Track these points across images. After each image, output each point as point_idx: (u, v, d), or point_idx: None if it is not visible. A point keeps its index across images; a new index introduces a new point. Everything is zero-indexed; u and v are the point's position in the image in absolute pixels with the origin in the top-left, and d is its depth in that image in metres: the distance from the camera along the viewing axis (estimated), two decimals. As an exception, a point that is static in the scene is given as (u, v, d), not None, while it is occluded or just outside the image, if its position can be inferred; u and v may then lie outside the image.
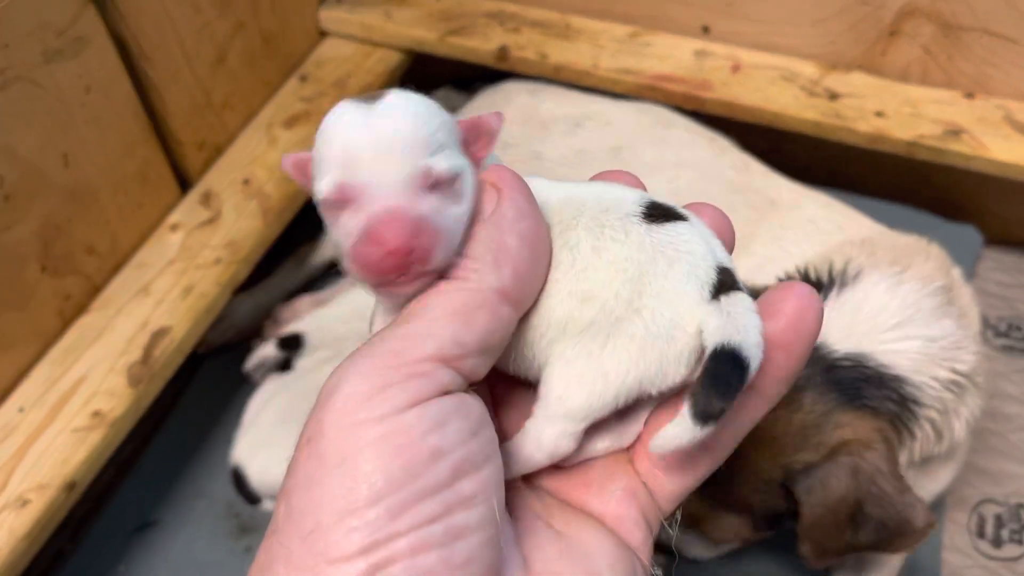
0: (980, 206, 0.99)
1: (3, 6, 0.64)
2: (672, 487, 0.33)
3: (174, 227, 0.84)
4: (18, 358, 0.73)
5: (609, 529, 0.32)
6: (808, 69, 0.92)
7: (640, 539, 0.33)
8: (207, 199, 0.86)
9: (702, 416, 0.29)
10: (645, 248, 0.31)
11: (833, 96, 0.89)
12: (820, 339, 0.56)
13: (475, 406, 0.29)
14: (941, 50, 0.87)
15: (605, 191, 0.34)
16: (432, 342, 0.28)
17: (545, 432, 0.31)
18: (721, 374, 0.29)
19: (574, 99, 0.89)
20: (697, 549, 0.67)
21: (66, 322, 0.76)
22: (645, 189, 0.35)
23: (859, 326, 0.58)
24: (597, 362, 0.30)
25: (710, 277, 0.31)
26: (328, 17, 1.02)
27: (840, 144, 0.89)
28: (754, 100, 0.89)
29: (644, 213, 0.32)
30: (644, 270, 0.31)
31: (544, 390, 0.31)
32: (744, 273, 0.75)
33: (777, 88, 0.91)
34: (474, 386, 0.30)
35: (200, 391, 0.90)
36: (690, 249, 0.31)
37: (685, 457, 0.32)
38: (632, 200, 0.33)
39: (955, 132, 0.85)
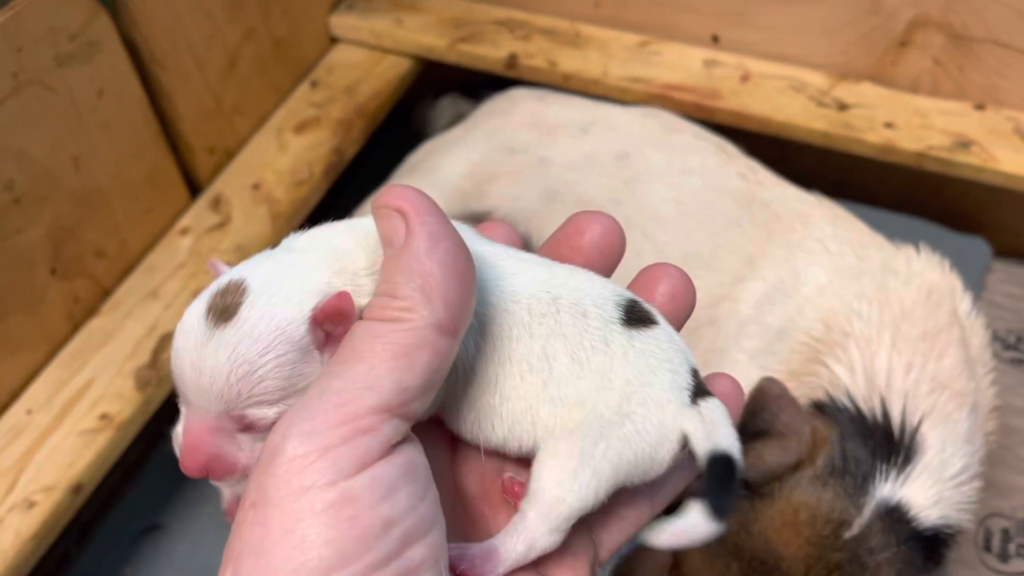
0: (989, 218, 0.99)
1: (16, 11, 0.65)
2: (618, 541, 0.34)
3: (184, 231, 0.84)
4: (27, 360, 0.73)
5: None
6: (817, 79, 0.92)
7: None
8: (217, 203, 0.86)
9: (720, 513, 0.31)
10: (628, 360, 0.32)
11: (842, 106, 0.89)
12: (912, 512, 0.60)
13: (421, 465, 0.28)
14: (951, 61, 0.87)
15: (579, 287, 0.33)
16: (374, 394, 0.27)
17: (540, 533, 0.31)
18: (725, 476, 0.32)
19: (581, 105, 0.89)
20: None
21: (75, 325, 0.76)
22: (621, 233, 0.36)
23: (943, 496, 0.61)
24: (591, 463, 0.31)
25: (688, 383, 0.33)
26: (339, 23, 1.02)
27: (849, 155, 0.89)
28: (763, 110, 0.90)
29: (623, 319, 0.33)
30: (629, 380, 0.32)
31: (536, 487, 0.31)
32: (756, 302, 0.75)
33: (786, 98, 0.91)
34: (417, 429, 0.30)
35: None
36: (669, 357, 0.33)
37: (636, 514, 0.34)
38: (610, 301, 0.33)
39: (965, 144, 0.85)
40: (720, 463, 0.32)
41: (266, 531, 0.26)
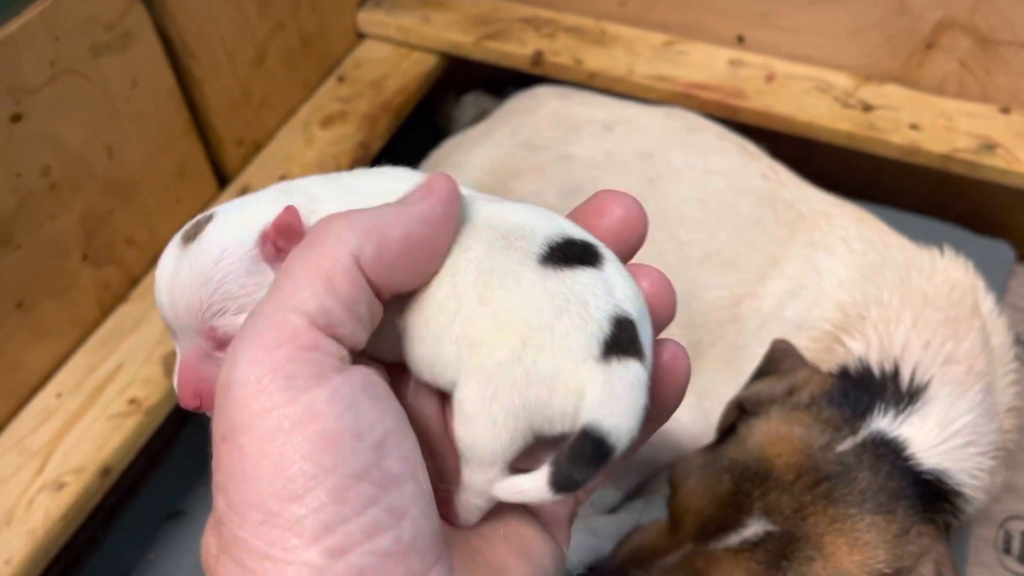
0: (1014, 221, 0.99)
1: (55, 0, 0.66)
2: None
3: (211, 221, 0.85)
4: (57, 345, 0.74)
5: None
6: (842, 80, 0.92)
7: (564, 525, 0.34)
8: (244, 194, 0.87)
9: (558, 486, 0.29)
10: (534, 296, 0.29)
11: (867, 108, 0.89)
12: (910, 450, 0.60)
13: (380, 384, 0.29)
14: (978, 64, 0.87)
15: (522, 220, 0.32)
16: (302, 315, 0.27)
17: (476, 482, 0.31)
18: (584, 453, 0.28)
19: (604, 104, 0.90)
20: None
21: (105, 311, 0.78)
22: (643, 219, 0.34)
23: (944, 444, 0.61)
24: (487, 409, 0.29)
25: (602, 331, 0.29)
26: (366, 19, 1.03)
27: (873, 156, 0.89)
28: (787, 110, 0.90)
29: (546, 254, 0.30)
30: (529, 320, 0.29)
31: (454, 434, 0.31)
32: (778, 299, 0.76)
33: (811, 98, 0.91)
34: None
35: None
36: (584, 299, 0.29)
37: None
38: (542, 235, 0.31)
39: (990, 146, 0.85)
40: (590, 441, 0.28)
41: (243, 457, 0.26)
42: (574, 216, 0.34)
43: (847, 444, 0.59)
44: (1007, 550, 0.78)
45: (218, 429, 0.27)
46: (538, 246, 0.30)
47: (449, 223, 0.30)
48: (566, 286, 0.29)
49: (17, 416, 0.72)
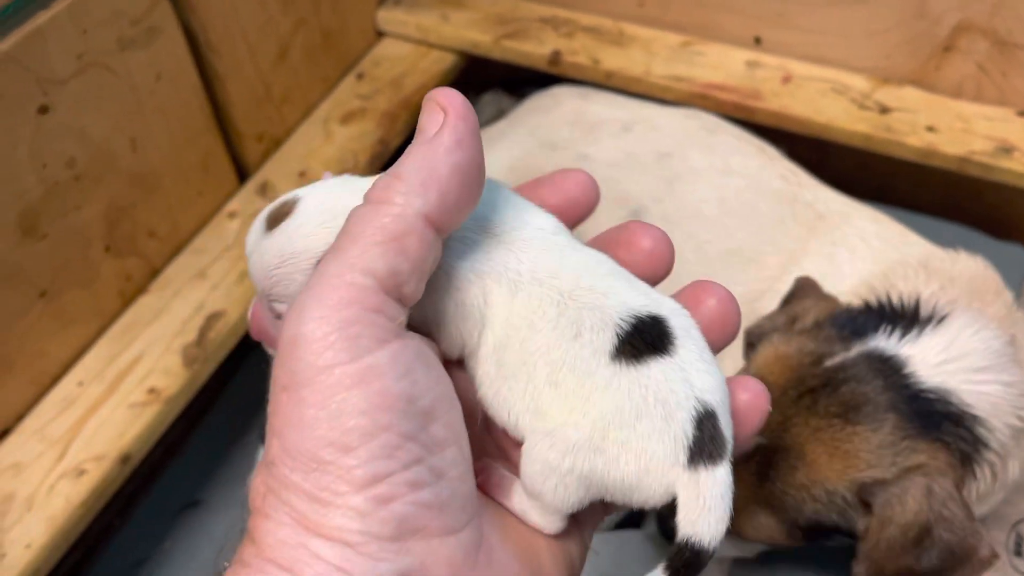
0: (1029, 225, 0.99)
1: (83, -6, 0.67)
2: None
3: (232, 215, 0.86)
4: (80, 334, 0.75)
5: None
6: (859, 82, 0.92)
7: (591, 527, 0.35)
8: (264, 189, 0.88)
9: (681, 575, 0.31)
10: (610, 394, 0.30)
11: (884, 110, 0.90)
12: (910, 368, 0.58)
13: (432, 355, 0.30)
14: (995, 67, 0.87)
15: (588, 287, 0.31)
16: (371, 277, 0.28)
17: (531, 510, 0.32)
18: (686, 562, 0.30)
19: (623, 104, 0.90)
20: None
21: (126, 301, 0.79)
22: (670, 252, 0.34)
23: (950, 364, 0.59)
24: (556, 476, 0.31)
25: (687, 435, 0.29)
26: (386, 18, 1.04)
27: (889, 158, 0.89)
28: (804, 111, 0.90)
29: (620, 344, 0.30)
30: (607, 416, 0.30)
31: (520, 472, 0.32)
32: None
33: (828, 100, 0.91)
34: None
35: (247, 378, 0.92)
36: (664, 399, 0.30)
37: None
38: (613, 319, 0.31)
39: (1007, 149, 0.85)
40: (691, 552, 0.30)
41: (303, 408, 0.27)
42: (601, 242, 0.34)
43: (837, 359, 0.59)
44: (1018, 552, 0.78)
45: (279, 378, 0.28)
46: (610, 338, 0.30)
47: (476, 134, 0.30)
48: (642, 385, 0.30)
49: (39, 403, 0.73)
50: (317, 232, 0.33)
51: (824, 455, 0.56)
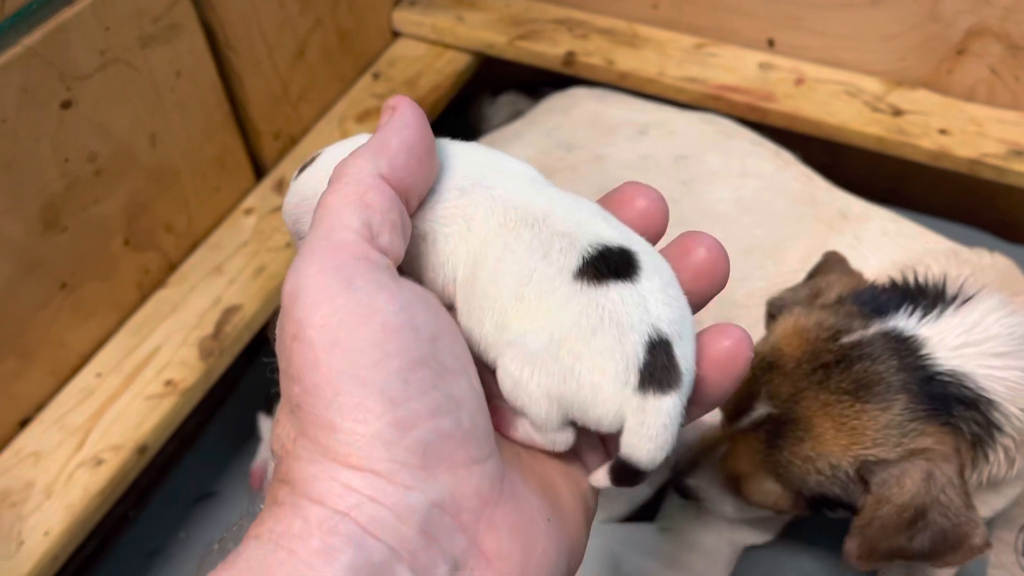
0: (1042, 229, 0.99)
1: (106, -8, 0.68)
2: None
3: (248, 211, 0.87)
4: (99, 326, 0.76)
5: None
6: (872, 85, 0.93)
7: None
8: (280, 186, 0.89)
9: (618, 483, 0.33)
10: (570, 308, 0.31)
11: (897, 112, 0.90)
12: (927, 350, 0.58)
13: (428, 294, 0.32)
14: (1008, 70, 0.87)
15: (564, 223, 0.33)
16: (350, 231, 0.31)
17: (534, 437, 0.33)
18: (622, 475, 0.32)
19: (640, 107, 0.91)
20: (724, 505, 0.68)
21: (144, 295, 0.80)
22: (664, 211, 0.36)
23: (969, 347, 0.59)
24: (523, 388, 0.32)
25: (638, 357, 0.30)
26: (401, 18, 1.05)
27: (901, 161, 0.90)
28: (817, 113, 0.91)
29: (582, 267, 0.32)
30: (565, 327, 0.31)
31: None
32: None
33: (840, 102, 0.92)
34: None
35: (262, 372, 0.93)
36: (619, 320, 0.31)
37: None
38: (581, 244, 0.32)
39: (1019, 152, 0.85)
40: (626, 467, 0.32)
41: (314, 348, 0.29)
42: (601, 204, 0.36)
43: (854, 336, 0.59)
44: (1028, 554, 0.78)
45: (287, 330, 0.30)
46: (575, 259, 0.32)
47: (422, 120, 0.34)
48: (600, 305, 0.31)
49: (59, 394, 0.74)
50: (317, 181, 0.36)
51: (831, 430, 0.57)
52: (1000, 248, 0.92)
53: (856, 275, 0.66)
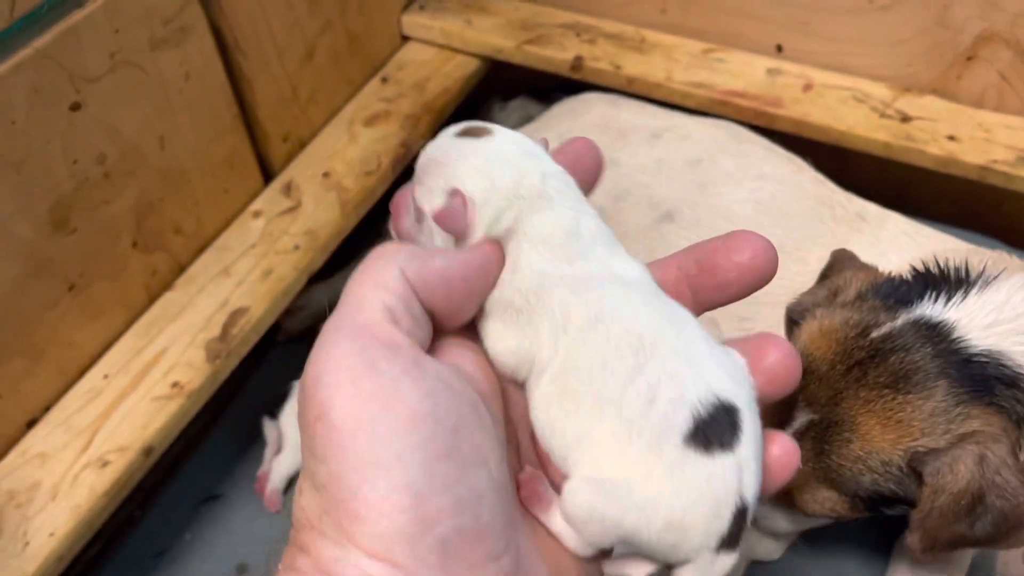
0: (1051, 236, 0.98)
1: (116, -6, 0.68)
2: None
3: (256, 214, 0.87)
4: (106, 327, 0.77)
5: None
6: (881, 90, 0.93)
7: None
8: (288, 189, 0.90)
9: None
10: (674, 473, 0.31)
11: (905, 118, 0.90)
12: (959, 332, 0.57)
13: (454, 374, 0.32)
14: (1018, 76, 0.87)
15: (672, 348, 0.33)
16: (374, 313, 0.31)
17: (567, 539, 0.34)
18: None
19: (652, 112, 0.91)
20: (778, 520, 0.67)
21: (152, 296, 0.80)
22: (773, 262, 0.35)
23: (1000, 325, 0.58)
24: (597, 519, 0.32)
25: (725, 529, 0.32)
26: (410, 22, 1.05)
27: (908, 167, 0.89)
28: (824, 119, 0.90)
29: (694, 431, 0.32)
30: (664, 496, 0.31)
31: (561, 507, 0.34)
32: None
33: (848, 108, 0.91)
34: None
35: (268, 374, 0.94)
36: (718, 496, 0.32)
37: None
38: (694, 396, 0.32)
39: (1028, 159, 0.85)
40: None
41: (339, 432, 0.29)
42: (705, 251, 0.36)
43: (883, 329, 0.58)
44: (1037, 562, 0.78)
45: (311, 412, 0.30)
46: (685, 418, 0.32)
47: (484, 265, 0.34)
48: (706, 479, 0.31)
49: (66, 394, 0.74)
50: (513, 158, 0.36)
51: (877, 426, 0.56)
52: (1008, 255, 0.92)
53: (871, 269, 0.65)
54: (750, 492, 0.32)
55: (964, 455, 0.54)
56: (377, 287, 0.32)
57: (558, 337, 0.33)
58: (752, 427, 0.33)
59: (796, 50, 0.96)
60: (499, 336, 0.35)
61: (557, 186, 0.36)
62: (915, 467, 0.56)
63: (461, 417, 0.31)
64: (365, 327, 0.31)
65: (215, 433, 0.89)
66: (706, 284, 0.36)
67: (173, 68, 0.75)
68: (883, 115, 0.90)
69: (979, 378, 0.56)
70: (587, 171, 0.38)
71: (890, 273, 0.64)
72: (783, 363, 0.34)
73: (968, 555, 0.72)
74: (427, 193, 0.36)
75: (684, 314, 0.34)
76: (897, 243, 0.75)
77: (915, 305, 0.59)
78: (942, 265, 0.63)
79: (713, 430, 0.32)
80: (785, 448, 0.34)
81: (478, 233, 0.35)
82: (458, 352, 0.34)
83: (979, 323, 0.58)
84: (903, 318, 0.58)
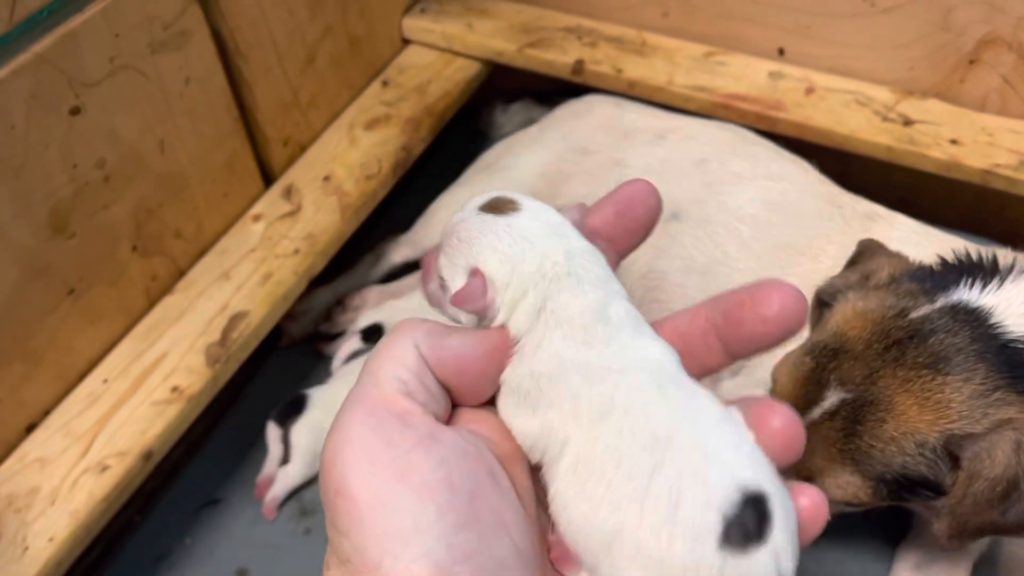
0: (1054, 240, 0.98)
1: (116, -1, 0.68)
2: None
3: (256, 217, 0.87)
4: (106, 331, 0.77)
5: None
6: (883, 94, 0.92)
7: None
8: (288, 193, 0.90)
9: None
10: None
11: (907, 122, 0.89)
12: (996, 318, 0.57)
13: (467, 443, 0.33)
14: (1021, 80, 0.87)
15: (689, 440, 0.32)
16: (389, 386, 0.33)
17: None
18: None
19: (657, 114, 0.91)
20: None
21: (151, 301, 0.80)
22: (803, 310, 0.34)
23: None
24: None
25: None
26: (411, 26, 1.05)
27: (911, 171, 0.89)
28: (826, 122, 0.90)
29: (726, 531, 0.30)
30: None
31: None
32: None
33: (850, 111, 0.91)
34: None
35: (269, 378, 0.94)
36: None
37: None
38: (719, 494, 0.31)
39: (1031, 163, 0.84)
40: None
41: (359, 507, 0.30)
42: (732, 303, 0.35)
43: (922, 311, 0.58)
44: (1040, 568, 0.77)
45: (331, 487, 0.31)
46: (716, 518, 0.30)
47: (497, 360, 0.35)
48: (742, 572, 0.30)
49: (65, 399, 0.74)
50: (537, 237, 0.36)
51: (914, 406, 0.55)
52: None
53: (902, 257, 0.65)
54: (788, 572, 0.31)
55: (1002, 441, 0.53)
56: (393, 362, 0.33)
57: (567, 427, 0.33)
58: (782, 509, 0.31)
59: (798, 53, 0.96)
60: (512, 413, 0.35)
61: (584, 264, 0.35)
62: (952, 450, 0.55)
63: (477, 483, 0.31)
64: (380, 401, 0.32)
65: (215, 437, 0.89)
66: (734, 336, 0.35)
67: (173, 72, 0.75)
68: (885, 119, 0.90)
69: (1017, 364, 0.56)
70: (637, 220, 0.37)
71: (921, 262, 0.63)
72: (784, 432, 0.33)
73: (973, 557, 0.72)
74: (450, 268, 0.37)
75: (702, 399, 0.33)
76: (909, 240, 0.75)
77: (952, 290, 0.59)
78: (974, 255, 0.63)
79: (745, 526, 0.31)
80: (813, 500, 0.33)
81: (501, 312, 0.35)
82: (475, 417, 0.35)
83: (1016, 310, 0.58)
84: (941, 301, 0.58)
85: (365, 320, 0.91)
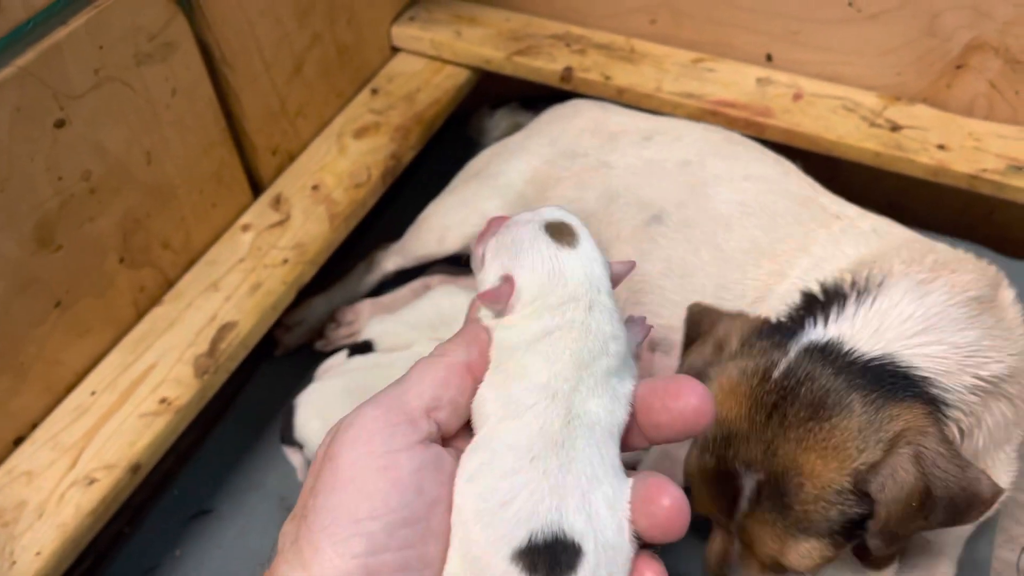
0: (1042, 244, 0.98)
1: (100, 9, 0.68)
2: None
3: (245, 227, 0.87)
4: (93, 343, 0.76)
5: None
6: (871, 100, 0.92)
7: None
8: (277, 202, 0.89)
9: None
10: None
11: (895, 127, 0.90)
12: (850, 346, 0.60)
13: (449, 461, 0.37)
14: (1008, 85, 0.87)
15: (548, 488, 0.36)
16: (421, 399, 0.37)
17: None
18: None
19: (642, 116, 0.91)
20: None
21: (139, 312, 0.80)
22: (712, 412, 0.38)
23: (886, 332, 0.61)
24: None
25: None
26: (400, 33, 1.05)
27: (899, 176, 0.89)
28: (814, 128, 0.90)
29: (523, 550, 0.35)
30: None
31: None
32: (802, 272, 0.75)
33: (838, 117, 0.91)
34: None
35: (259, 388, 0.93)
36: None
37: None
38: (535, 524, 0.35)
39: (1019, 167, 0.85)
40: None
41: (338, 477, 0.35)
42: (649, 389, 0.39)
43: (782, 367, 0.59)
44: (1030, 574, 0.77)
45: (328, 448, 0.36)
46: (523, 533, 0.35)
47: (467, 378, 0.39)
48: None
49: (53, 412, 0.74)
50: (575, 280, 0.39)
51: (818, 460, 0.56)
52: (999, 263, 0.91)
53: (744, 315, 0.66)
54: None
55: (901, 460, 0.55)
56: (436, 381, 0.38)
57: (491, 419, 0.38)
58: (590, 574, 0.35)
59: (786, 59, 0.96)
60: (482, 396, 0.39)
61: (600, 319, 0.39)
62: (861, 488, 0.56)
63: (441, 495, 0.36)
64: (404, 407, 0.37)
65: (205, 448, 0.89)
66: (645, 421, 0.38)
67: (159, 83, 0.75)
68: (873, 124, 0.90)
69: (884, 376, 0.58)
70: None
71: (767, 318, 0.65)
72: (671, 509, 0.36)
73: (957, 551, 0.72)
74: (492, 257, 0.41)
75: (615, 458, 0.37)
76: (861, 238, 0.75)
77: (800, 334, 0.61)
78: (823, 286, 0.65)
79: (544, 559, 0.35)
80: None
81: (515, 317, 0.39)
82: (467, 440, 0.39)
83: (864, 333, 0.60)
84: (794, 350, 0.60)
85: (361, 337, 0.90)
